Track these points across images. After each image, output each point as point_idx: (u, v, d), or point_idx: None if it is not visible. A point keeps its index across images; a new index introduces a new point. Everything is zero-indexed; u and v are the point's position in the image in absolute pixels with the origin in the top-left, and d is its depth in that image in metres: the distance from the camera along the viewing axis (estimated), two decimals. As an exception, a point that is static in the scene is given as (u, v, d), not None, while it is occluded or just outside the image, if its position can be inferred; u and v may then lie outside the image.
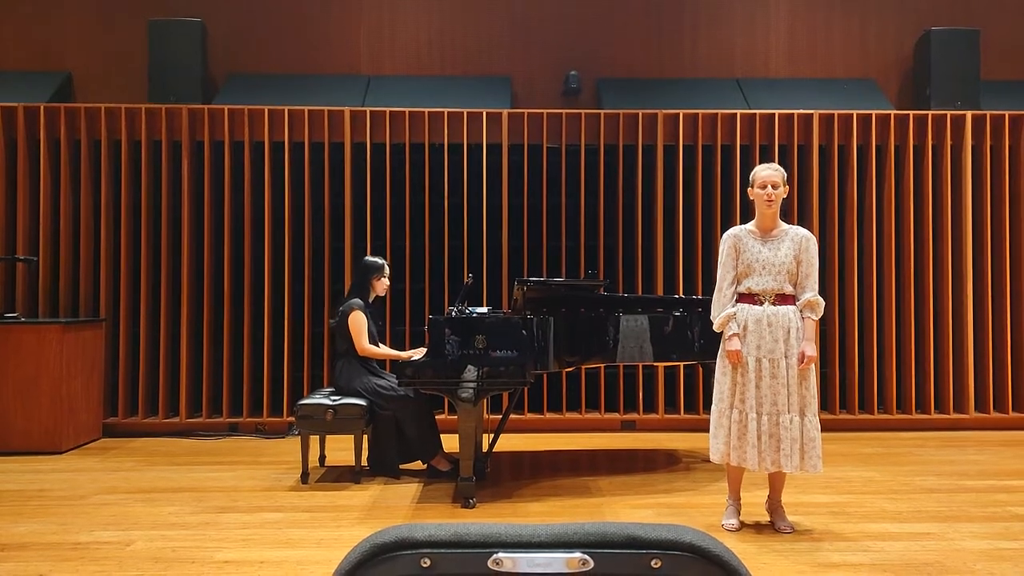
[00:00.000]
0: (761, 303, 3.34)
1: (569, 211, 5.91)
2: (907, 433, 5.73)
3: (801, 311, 3.34)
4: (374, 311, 4.54)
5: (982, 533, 3.33)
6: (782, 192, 3.39)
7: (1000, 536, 3.29)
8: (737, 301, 3.39)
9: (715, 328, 3.43)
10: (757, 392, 3.28)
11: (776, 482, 3.41)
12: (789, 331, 3.29)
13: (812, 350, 3.28)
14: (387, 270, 4.56)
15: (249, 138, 5.80)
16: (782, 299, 3.34)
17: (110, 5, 6.16)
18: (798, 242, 3.36)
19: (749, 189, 3.47)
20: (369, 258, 4.59)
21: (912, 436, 5.63)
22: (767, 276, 3.34)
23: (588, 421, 5.82)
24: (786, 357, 3.27)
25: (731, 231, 3.47)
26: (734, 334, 3.33)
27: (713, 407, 3.41)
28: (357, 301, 4.40)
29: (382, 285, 4.53)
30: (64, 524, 3.47)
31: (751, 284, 3.36)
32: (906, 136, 5.95)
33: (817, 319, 3.35)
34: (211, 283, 5.75)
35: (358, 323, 4.32)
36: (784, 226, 3.43)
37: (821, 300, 3.35)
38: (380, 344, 4.54)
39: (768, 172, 3.40)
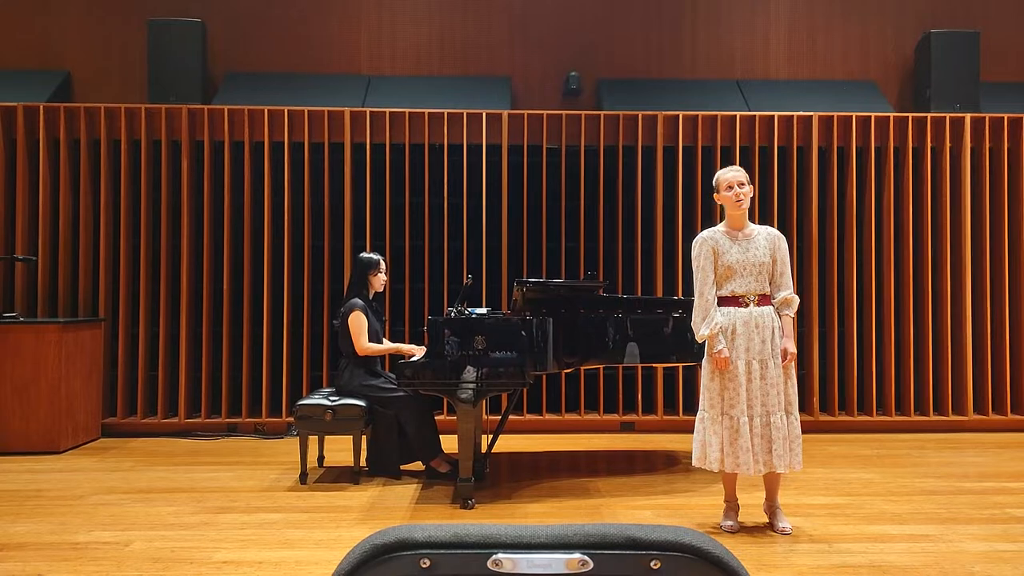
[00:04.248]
0: (746, 305, 3.34)
1: (569, 212, 5.91)
2: (906, 435, 5.73)
3: (778, 308, 3.36)
4: (375, 308, 4.53)
5: (981, 535, 3.33)
6: (749, 191, 3.39)
7: (999, 538, 3.29)
8: (719, 305, 3.38)
9: (699, 339, 3.38)
10: (747, 395, 3.28)
11: (770, 484, 3.41)
12: (773, 331, 3.32)
13: (794, 347, 3.33)
14: (383, 265, 4.54)
15: (249, 138, 5.80)
16: (763, 299, 3.36)
17: (110, 4, 6.16)
18: (772, 241, 3.38)
19: (715, 195, 3.46)
20: (364, 255, 4.57)
21: (911, 438, 5.63)
22: (749, 277, 3.34)
23: (587, 422, 5.82)
24: (772, 357, 3.29)
25: (703, 235, 3.45)
26: (720, 339, 3.31)
27: (702, 413, 3.38)
28: (357, 301, 4.39)
29: (379, 280, 4.52)
30: (62, 524, 3.47)
31: (734, 287, 3.35)
32: (905, 138, 5.95)
33: (793, 316, 3.38)
34: (210, 283, 5.75)
35: (357, 324, 4.31)
36: (752, 226, 3.44)
37: (796, 297, 3.39)
38: (383, 340, 4.53)
39: (733, 173, 3.39)
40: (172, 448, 5.20)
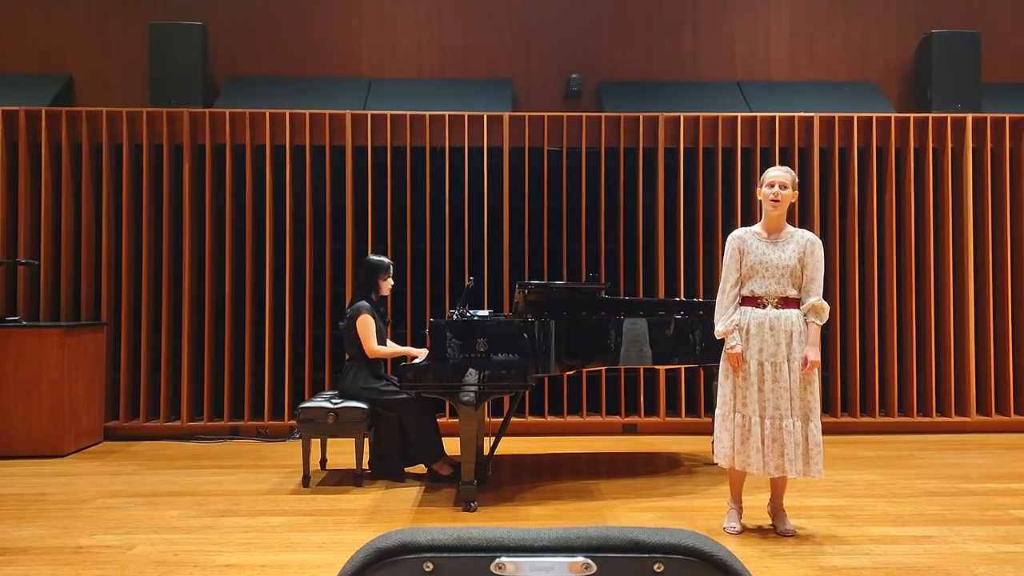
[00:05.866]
0: (764, 306, 3.32)
1: (570, 214, 5.91)
2: (908, 436, 5.72)
3: (805, 315, 3.31)
4: (380, 311, 4.53)
5: (984, 536, 3.32)
6: (790, 194, 3.35)
7: (1002, 539, 3.29)
8: (740, 304, 3.37)
9: (717, 335, 3.39)
10: (759, 396, 3.26)
11: (778, 486, 3.41)
12: (792, 335, 3.27)
13: (815, 355, 3.24)
14: (392, 269, 4.55)
15: (250, 142, 5.80)
16: (785, 302, 3.31)
17: (111, 9, 6.18)
18: (803, 245, 3.33)
19: (757, 189, 3.45)
20: (374, 257, 4.57)
21: (914, 439, 5.62)
22: (771, 279, 3.31)
23: (589, 424, 5.81)
24: (788, 361, 3.25)
25: (736, 232, 3.45)
26: (734, 336, 3.32)
27: (717, 410, 3.41)
28: (364, 304, 4.38)
29: (387, 285, 4.52)
30: (65, 528, 3.47)
31: (754, 287, 3.33)
32: (907, 139, 5.95)
33: (821, 324, 3.30)
34: (212, 286, 5.75)
35: (366, 326, 4.31)
36: (791, 229, 3.41)
37: (826, 305, 3.31)
38: (386, 342, 4.53)
39: (777, 172, 3.38)
40: (175, 451, 5.21)
